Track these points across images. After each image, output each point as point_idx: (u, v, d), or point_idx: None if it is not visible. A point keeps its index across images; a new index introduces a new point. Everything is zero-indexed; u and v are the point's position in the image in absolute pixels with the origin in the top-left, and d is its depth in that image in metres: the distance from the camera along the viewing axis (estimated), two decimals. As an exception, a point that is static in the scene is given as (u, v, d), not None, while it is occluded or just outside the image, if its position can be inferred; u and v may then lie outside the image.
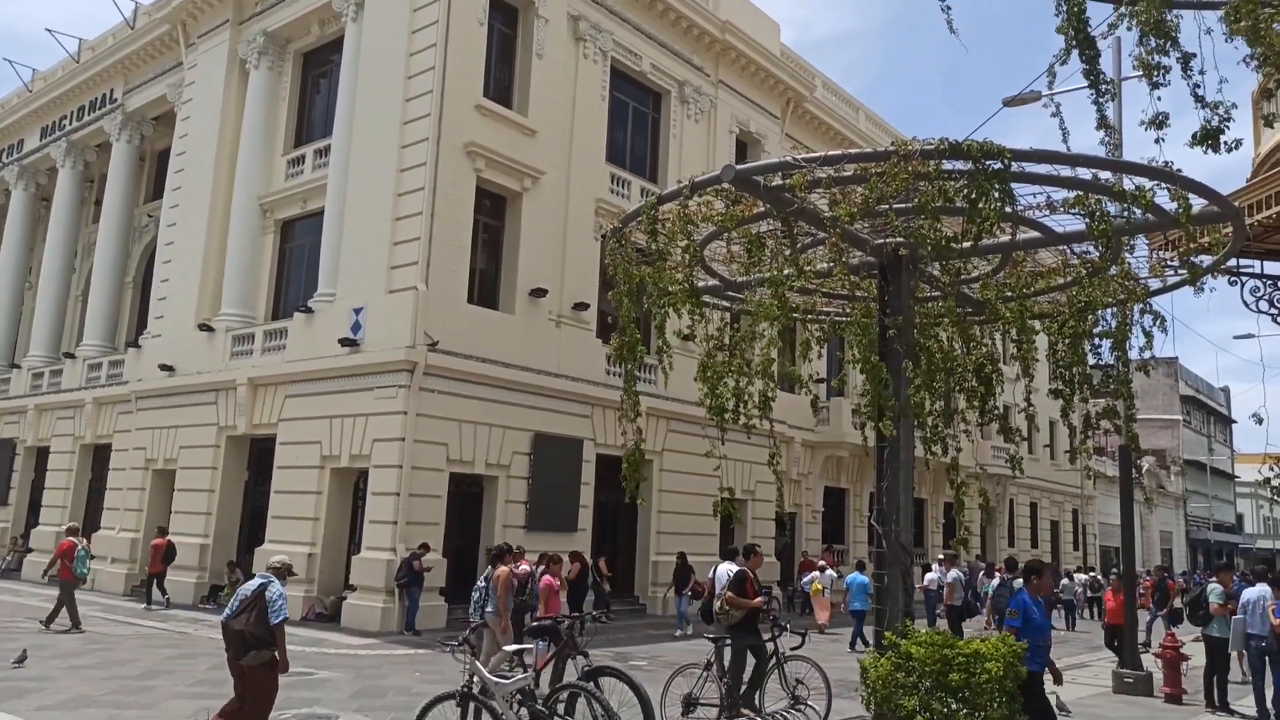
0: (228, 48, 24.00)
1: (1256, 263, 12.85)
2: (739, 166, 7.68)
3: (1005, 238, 8.71)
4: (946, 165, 7.30)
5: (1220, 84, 6.19)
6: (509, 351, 19.66)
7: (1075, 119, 37.06)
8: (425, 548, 17.22)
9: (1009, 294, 9.72)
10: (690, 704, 9.55)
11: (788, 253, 8.47)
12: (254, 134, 23.09)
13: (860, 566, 19.88)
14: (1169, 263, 10.01)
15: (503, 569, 11.21)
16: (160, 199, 26.78)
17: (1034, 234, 8.91)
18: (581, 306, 21.50)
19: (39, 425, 28.63)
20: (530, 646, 8.36)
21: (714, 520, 21.39)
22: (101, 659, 13.16)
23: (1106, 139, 6.87)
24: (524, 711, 7.71)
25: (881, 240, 8.75)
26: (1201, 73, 6.01)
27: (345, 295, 19.43)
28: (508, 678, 7.86)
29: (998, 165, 7.02)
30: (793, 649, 10.46)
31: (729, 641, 9.98)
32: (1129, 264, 9.71)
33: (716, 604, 13.04)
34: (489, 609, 10.97)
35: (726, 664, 9.93)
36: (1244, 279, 12.74)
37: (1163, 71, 6.01)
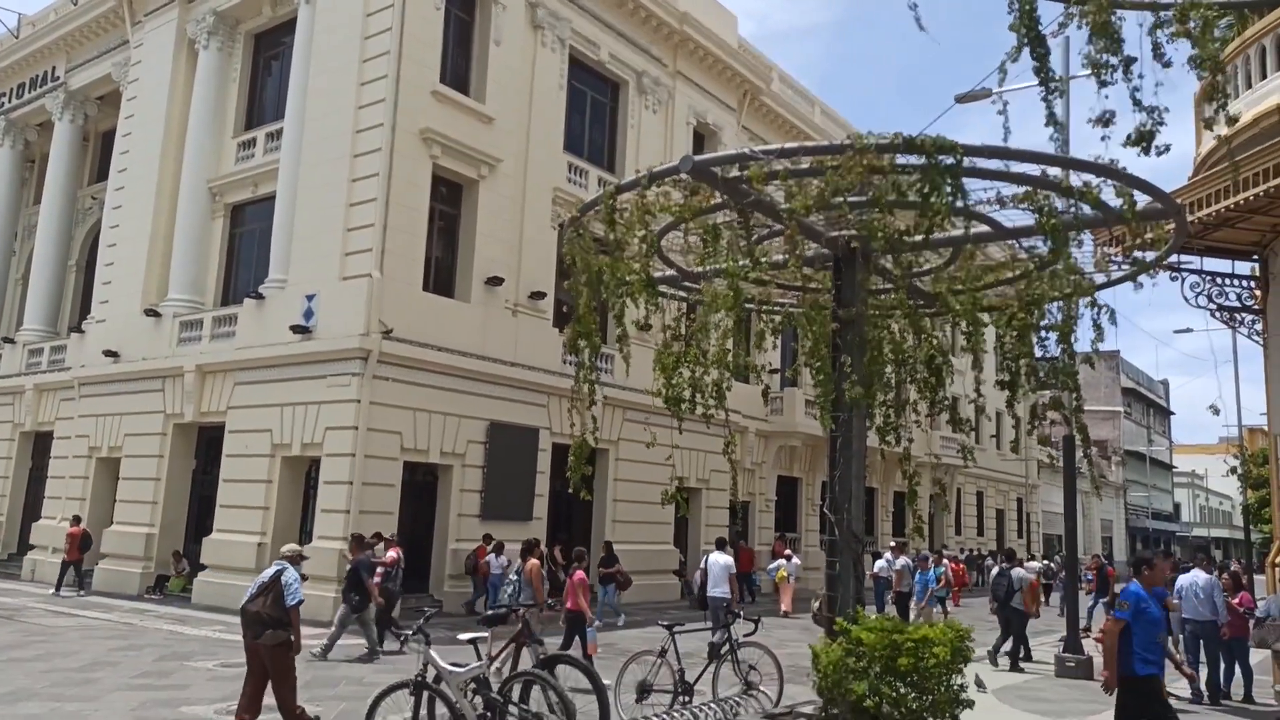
0: (176, 27, 23.42)
1: (1197, 259, 13.28)
2: (697, 157, 7.69)
3: (957, 232, 8.85)
4: (900, 159, 7.39)
5: (1157, 86, 6.41)
6: (465, 340, 19.54)
7: (1026, 115, 37.84)
8: (378, 537, 17.08)
9: (959, 287, 9.89)
10: (644, 691, 9.62)
11: (744, 244, 8.53)
12: (203, 116, 22.59)
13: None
14: (1113, 258, 10.28)
15: (533, 561, 12.36)
16: (105, 181, 26.06)
17: (984, 228, 9.07)
18: (538, 295, 21.44)
19: (-24, 412, 27.79)
20: (484, 635, 8.36)
21: (670, 509, 21.51)
22: (42, 651, 12.86)
23: (1055, 135, 7.02)
24: (478, 700, 7.71)
25: (836, 233, 8.84)
26: (1140, 76, 6.20)
27: (297, 281, 19.14)
28: (462, 667, 7.86)
29: (950, 160, 7.13)
30: (746, 635, 10.60)
31: (683, 629, 10.06)
32: (1075, 259, 9.94)
33: (715, 590, 13.38)
34: (523, 598, 12.02)
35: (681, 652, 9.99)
36: (1184, 275, 13.17)
37: (1110, 70, 6.17)
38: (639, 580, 20.56)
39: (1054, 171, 7.93)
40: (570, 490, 9.47)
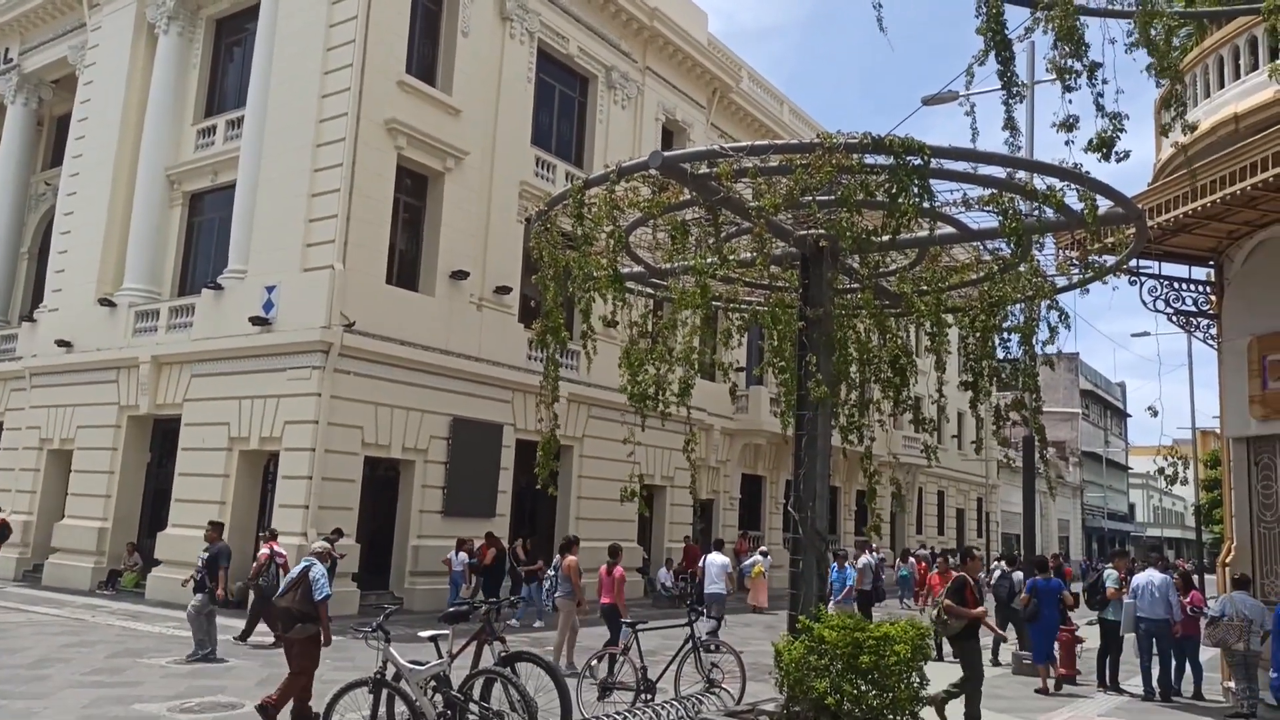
0: (134, 10, 22.90)
1: (1155, 264, 13.50)
2: (666, 153, 7.67)
3: (923, 232, 8.92)
4: (869, 159, 7.43)
5: (1118, 94, 6.52)
6: (428, 334, 19.35)
7: (991, 119, 38.24)
8: (339, 533, 16.87)
9: (925, 288, 9.96)
10: (607, 688, 9.59)
11: (712, 241, 8.52)
12: (162, 102, 22.13)
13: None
14: (1075, 261, 10.41)
15: (571, 558, 12.57)
16: (59, 166, 25.46)
17: (950, 230, 9.15)
18: (504, 290, 21.29)
19: (-78, 402, 27.01)
20: (446, 632, 8.27)
21: (634, 506, 21.47)
22: (-11, 647, 12.52)
23: (1010, 139, 7.08)
24: (438, 698, 7.63)
25: (804, 231, 8.87)
26: (1105, 82, 6.29)
27: (257, 272, 18.83)
28: (424, 664, 7.77)
29: (918, 161, 7.17)
30: (708, 633, 10.60)
31: (646, 627, 10.03)
32: (1038, 261, 10.07)
33: (712, 588, 13.37)
34: (559, 594, 12.44)
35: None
36: (1143, 279, 13.38)
37: (1074, 75, 6.24)
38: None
39: (1019, 175, 8.02)
40: (537, 486, 9.39)
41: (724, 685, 9.76)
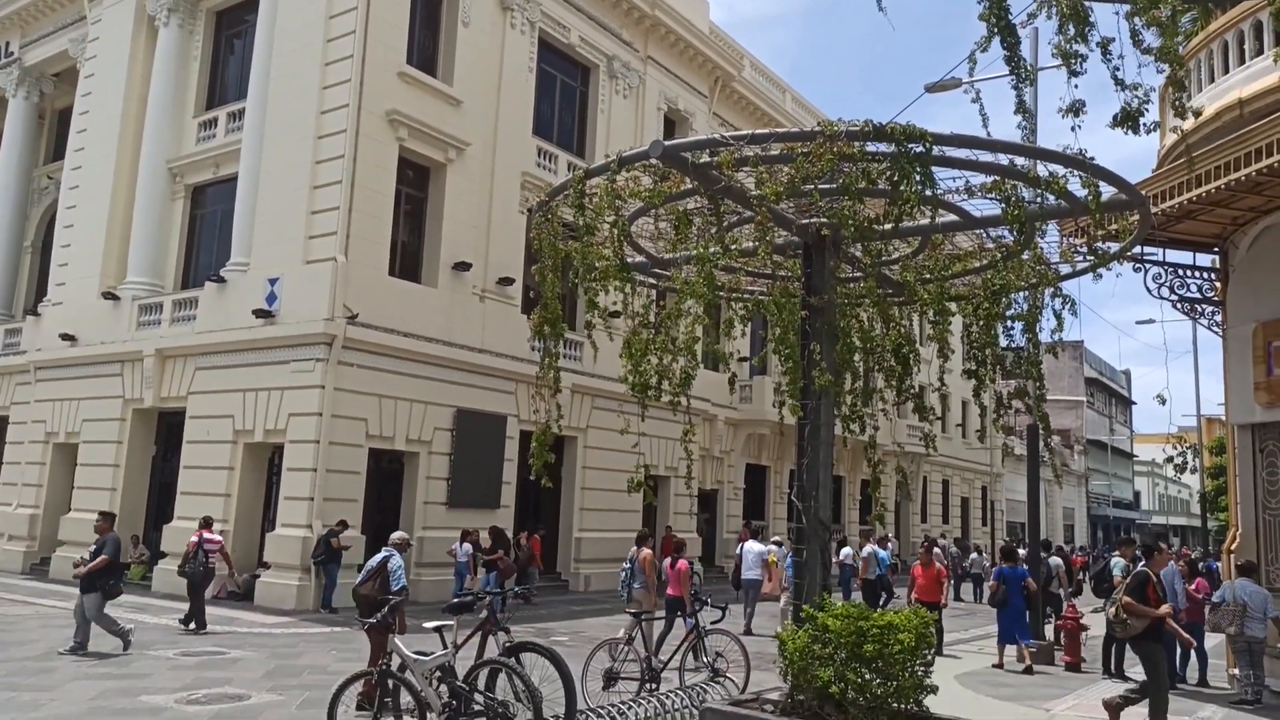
0: (135, 3, 22.84)
1: (1159, 251, 13.44)
2: (667, 142, 7.63)
3: (925, 220, 8.88)
4: (870, 147, 7.38)
5: (1139, 68, 6.35)
6: (431, 326, 19.34)
7: (993, 107, 38.05)
8: (343, 524, 16.92)
9: (928, 276, 9.92)
10: (611, 678, 9.60)
11: (714, 230, 8.49)
12: (163, 95, 22.09)
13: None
14: (1078, 249, 10.36)
15: (646, 551, 12.87)
16: (61, 160, 25.45)
17: (953, 217, 9.10)
18: (506, 281, 21.26)
19: (-72, 396, 27.08)
20: (450, 623, 8.28)
21: (638, 497, 21.50)
22: (-3, 640, 12.58)
23: (1024, 123, 7.03)
24: (444, 689, 7.64)
25: (806, 220, 8.83)
26: (1121, 57, 6.17)
27: (260, 265, 18.82)
28: (429, 655, 7.78)
29: (919, 148, 7.13)
30: (713, 623, 10.61)
31: (658, 616, 10.03)
32: (1041, 249, 10.01)
33: (748, 574, 13.50)
34: (635, 585, 12.67)
35: (657, 636, 9.92)
36: (1147, 266, 13.33)
37: (1080, 60, 6.17)
38: (610, 568, 20.49)
39: (1022, 162, 7.96)
40: (530, 478, 9.40)
41: (728, 674, 9.78)
